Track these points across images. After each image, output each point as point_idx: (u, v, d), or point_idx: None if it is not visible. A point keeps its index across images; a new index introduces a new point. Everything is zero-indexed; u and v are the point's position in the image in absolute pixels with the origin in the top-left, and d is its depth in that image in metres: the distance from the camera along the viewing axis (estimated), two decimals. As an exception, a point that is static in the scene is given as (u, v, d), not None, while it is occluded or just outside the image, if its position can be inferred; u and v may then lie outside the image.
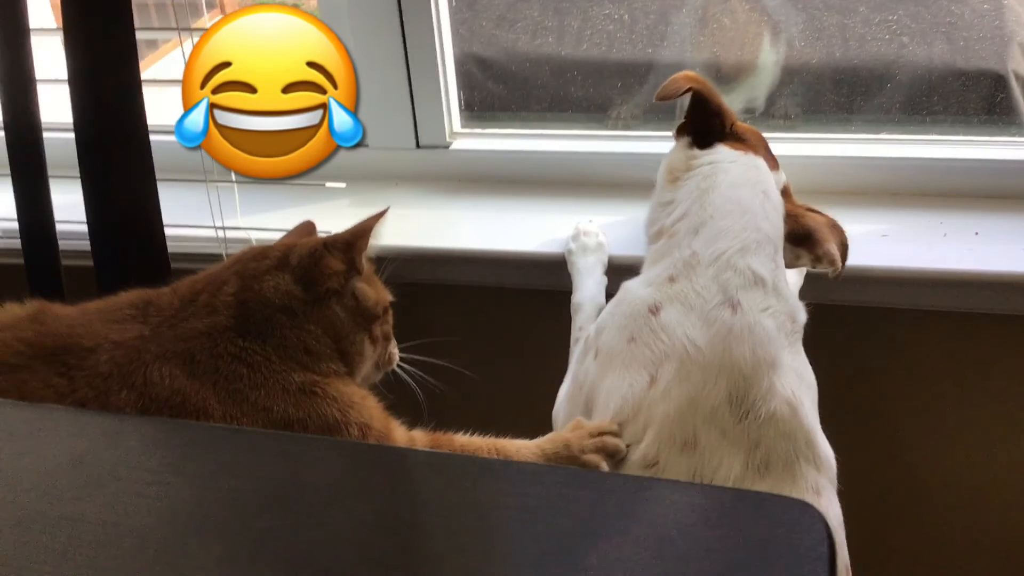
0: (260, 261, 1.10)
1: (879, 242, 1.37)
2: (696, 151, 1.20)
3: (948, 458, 1.51)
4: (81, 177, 1.25)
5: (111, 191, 1.24)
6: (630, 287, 1.15)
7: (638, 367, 1.06)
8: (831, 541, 0.48)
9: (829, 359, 1.45)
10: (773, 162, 1.24)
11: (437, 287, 1.51)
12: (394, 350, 1.19)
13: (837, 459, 1.52)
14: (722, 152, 1.18)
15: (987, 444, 1.48)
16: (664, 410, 1.03)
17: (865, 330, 1.43)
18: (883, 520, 1.59)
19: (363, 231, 1.12)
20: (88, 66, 1.19)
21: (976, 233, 1.37)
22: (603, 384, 1.10)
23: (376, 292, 1.15)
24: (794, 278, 1.27)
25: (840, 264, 1.18)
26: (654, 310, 1.08)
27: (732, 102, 1.57)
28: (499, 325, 1.56)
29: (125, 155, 1.23)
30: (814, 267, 1.21)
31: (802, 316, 1.13)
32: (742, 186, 1.15)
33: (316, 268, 1.09)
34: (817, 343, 1.44)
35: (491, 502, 0.55)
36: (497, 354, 1.58)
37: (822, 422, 1.52)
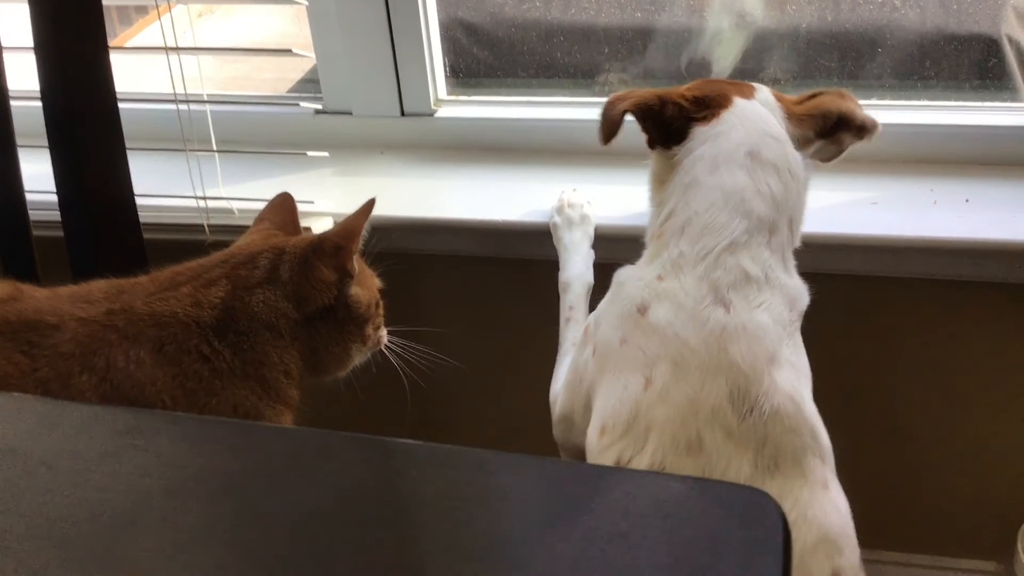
0: (251, 269, 1.07)
1: (868, 210, 1.35)
2: (673, 148, 1.12)
3: (938, 425, 1.50)
4: (49, 147, 1.23)
5: (79, 160, 1.22)
6: (623, 280, 1.10)
7: (631, 369, 1.03)
8: (786, 529, 0.47)
9: (817, 328, 1.44)
10: (747, 91, 1.15)
11: (422, 256, 1.49)
12: (383, 332, 1.18)
13: (829, 429, 1.52)
14: (696, 135, 1.11)
15: (977, 410, 1.47)
16: (664, 413, 1.00)
17: (854, 299, 1.42)
18: (874, 485, 1.58)
19: (352, 232, 1.10)
20: (54, 34, 1.17)
21: (966, 200, 1.35)
22: (601, 385, 1.07)
23: (368, 290, 1.13)
24: None
25: (878, 122, 1.15)
26: (642, 310, 1.04)
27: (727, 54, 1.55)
28: (486, 295, 1.55)
29: (93, 123, 1.21)
30: (860, 139, 1.15)
31: (803, 301, 1.09)
32: (722, 165, 1.08)
33: (308, 282, 1.07)
34: (806, 312, 1.43)
35: (438, 492, 0.53)
36: (483, 323, 1.57)
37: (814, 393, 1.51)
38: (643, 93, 1.12)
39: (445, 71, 1.57)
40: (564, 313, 1.30)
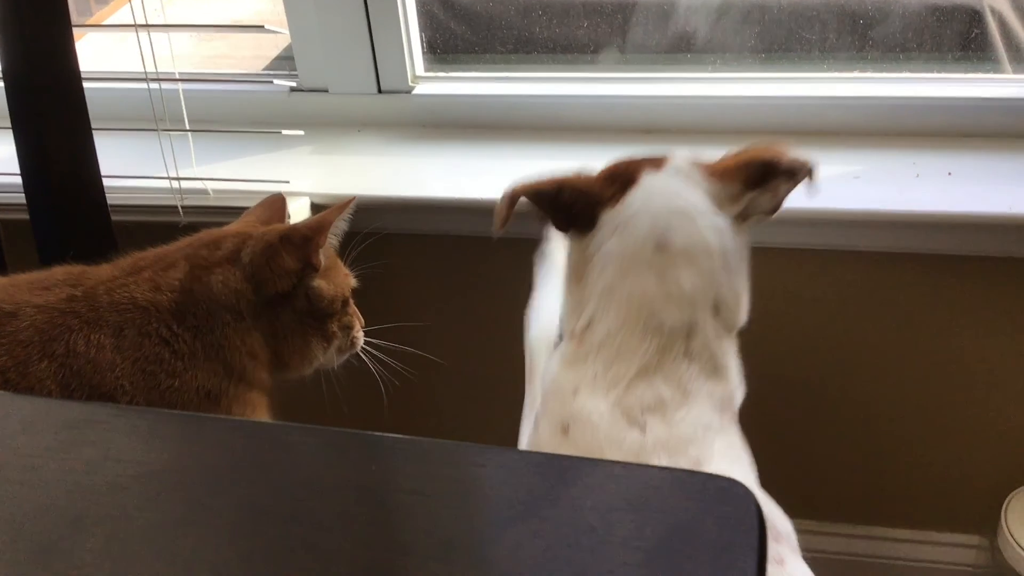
0: (212, 250, 1.06)
1: (851, 184, 1.34)
2: (586, 237, 1.05)
3: (922, 399, 1.50)
4: (12, 127, 1.21)
5: (43, 140, 1.19)
6: (548, 382, 1.05)
7: None
8: (761, 520, 0.46)
9: (800, 303, 1.44)
10: (657, 162, 1.07)
11: (401, 236, 1.48)
12: (358, 335, 1.16)
13: (804, 401, 1.52)
14: (605, 223, 1.03)
15: (962, 384, 1.47)
16: None
17: (836, 274, 1.41)
18: (858, 460, 1.58)
19: (322, 226, 1.09)
20: (16, 10, 1.14)
21: (949, 173, 1.34)
22: None
23: (334, 286, 1.12)
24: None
25: (810, 163, 1.05)
26: (564, 430, 1.00)
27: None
28: (467, 274, 1.53)
29: (57, 102, 1.18)
30: (796, 183, 1.06)
31: (736, 401, 1.03)
32: (632, 268, 1.01)
33: (268, 267, 1.06)
34: (789, 287, 1.42)
35: (397, 486, 0.51)
36: (465, 303, 1.56)
37: (792, 367, 1.51)
38: (536, 188, 1.06)
39: (422, 47, 1.55)
40: (527, 363, 1.25)
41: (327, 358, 1.13)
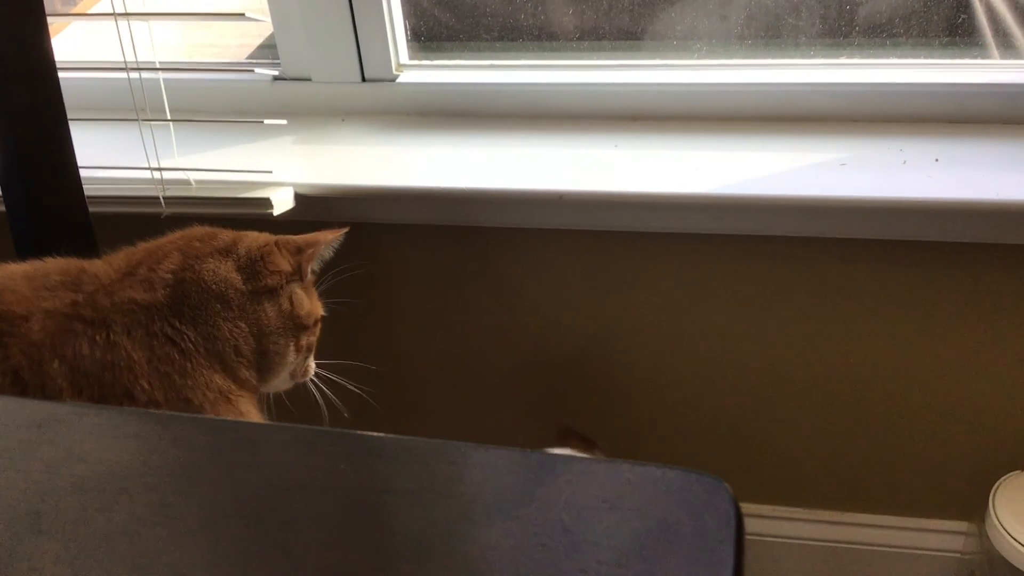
0: (206, 242, 1.08)
1: (837, 171, 1.33)
2: None
3: (908, 387, 1.50)
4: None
5: (17, 130, 1.18)
6: None
7: None
8: (739, 518, 0.45)
9: (786, 291, 1.43)
10: None
11: (386, 227, 1.47)
12: (311, 363, 1.18)
13: (789, 388, 1.51)
14: None
15: (947, 371, 1.47)
16: None
17: (823, 262, 1.41)
18: (845, 447, 1.58)
19: (316, 241, 1.13)
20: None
21: (936, 160, 1.33)
22: None
23: (311, 304, 1.14)
24: None
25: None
26: None
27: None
28: (452, 265, 1.52)
29: (31, 92, 1.17)
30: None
31: None
32: None
33: (262, 261, 1.08)
34: (775, 275, 1.42)
35: (368, 485, 0.50)
36: (449, 295, 1.55)
37: (777, 354, 1.50)
38: None
39: (406, 34, 1.54)
40: None
41: (286, 377, 1.14)
